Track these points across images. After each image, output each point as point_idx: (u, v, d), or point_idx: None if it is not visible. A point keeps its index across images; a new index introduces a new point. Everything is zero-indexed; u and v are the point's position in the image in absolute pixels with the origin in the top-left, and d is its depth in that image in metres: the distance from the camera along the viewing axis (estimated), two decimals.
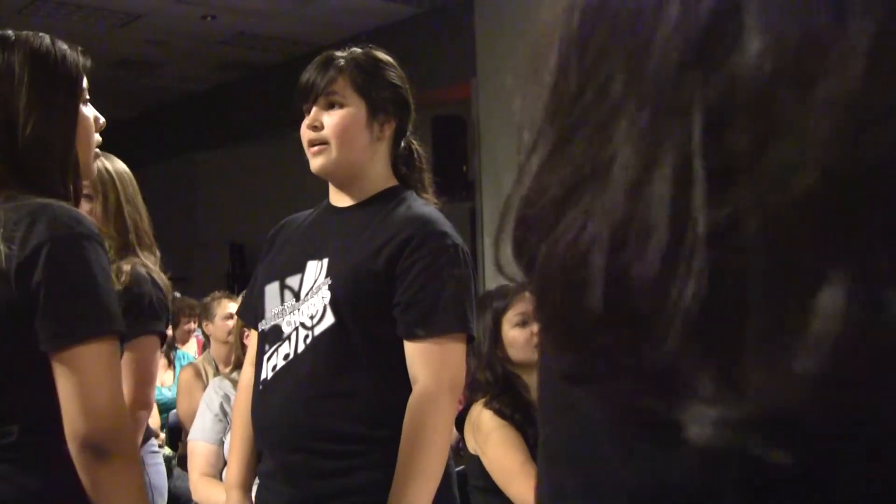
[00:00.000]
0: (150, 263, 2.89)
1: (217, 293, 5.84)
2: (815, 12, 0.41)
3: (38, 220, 1.91)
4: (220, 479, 3.75)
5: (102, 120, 2.22)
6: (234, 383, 3.98)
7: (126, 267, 2.79)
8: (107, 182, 2.87)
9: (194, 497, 3.82)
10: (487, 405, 3.15)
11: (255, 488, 2.62)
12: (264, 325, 2.51)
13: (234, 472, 2.62)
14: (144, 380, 2.87)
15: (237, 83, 11.56)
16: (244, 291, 5.04)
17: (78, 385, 1.89)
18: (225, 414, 3.91)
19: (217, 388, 4.03)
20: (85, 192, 2.77)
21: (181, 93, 12.26)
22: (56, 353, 1.90)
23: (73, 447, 1.90)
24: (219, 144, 12.04)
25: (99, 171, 2.82)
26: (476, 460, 3.13)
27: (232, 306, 5.43)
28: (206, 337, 5.93)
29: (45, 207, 1.93)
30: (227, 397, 3.95)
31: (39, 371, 1.91)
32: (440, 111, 8.20)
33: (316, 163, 2.45)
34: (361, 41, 2.57)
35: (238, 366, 4.14)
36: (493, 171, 7.69)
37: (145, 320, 2.82)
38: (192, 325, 6.82)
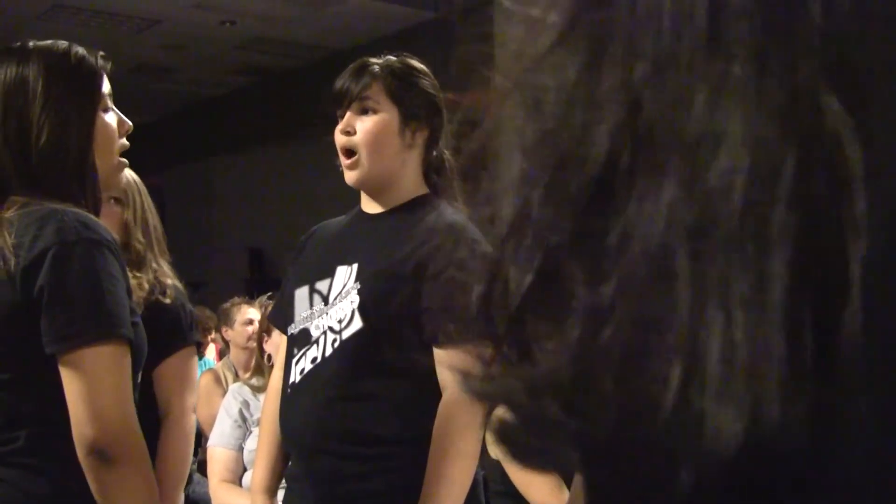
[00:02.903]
0: (172, 274, 2.93)
1: (237, 299, 5.85)
2: None
3: (46, 226, 1.92)
4: (240, 484, 3.76)
5: (129, 124, 2.23)
6: (253, 389, 4.00)
7: (169, 282, 2.84)
8: (133, 189, 2.90)
9: (214, 503, 3.82)
10: None
11: (280, 493, 2.62)
12: (293, 329, 2.52)
13: (259, 476, 2.62)
14: (193, 386, 2.93)
15: (255, 88, 11.59)
16: (262, 297, 5.09)
17: (83, 389, 1.89)
18: (244, 420, 3.91)
19: (236, 393, 4.04)
20: (117, 196, 2.81)
21: (199, 98, 12.29)
22: (61, 356, 1.90)
23: (80, 451, 1.90)
24: (237, 149, 12.07)
25: (127, 178, 2.85)
26: (497, 465, 3.13)
27: (251, 312, 5.43)
28: (226, 343, 5.93)
29: (54, 213, 1.95)
30: (245, 403, 3.95)
31: (47, 376, 1.92)
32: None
33: (350, 176, 2.47)
34: (380, 46, 2.57)
35: (257, 371, 4.15)
36: None
37: (189, 333, 2.88)
38: (211, 335, 6.84)
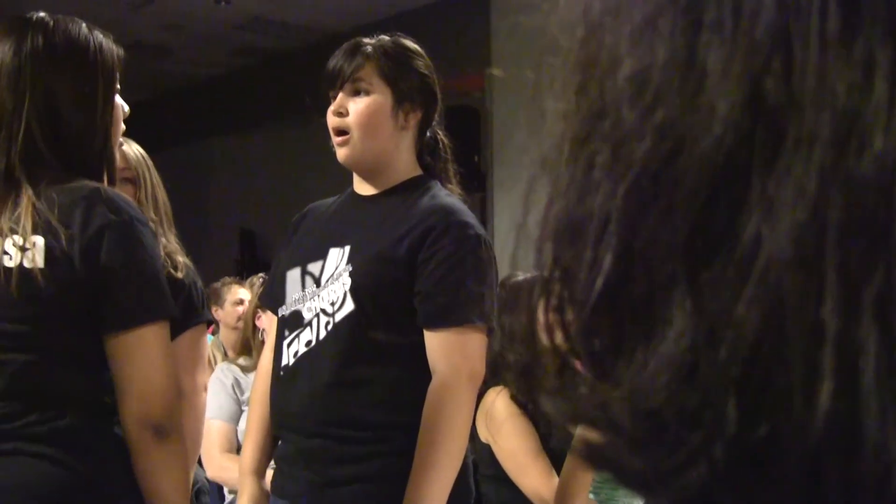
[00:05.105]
0: (180, 249, 2.91)
1: (227, 279, 5.82)
2: None
3: (95, 204, 1.95)
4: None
5: (127, 108, 2.26)
6: (242, 368, 3.99)
7: (180, 259, 2.83)
8: (143, 166, 2.89)
9: (213, 473, 3.81)
10: (505, 388, 3.13)
11: (269, 473, 2.61)
12: (284, 311, 2.51)
13: (248, 457, 2.61)
14: (205, 364, 2.92)
15: (251, 69, 11.55)
16: (252, 277, 5.06)
17: (141, 366, 1.94)
18: (236, 398, 3.91)
19: (226, 371, 4.03)
20: (129, 176, 2.81)
21: (195, 78, 12.24)
22: (119, 335, 1.95)
23: (133, 428, 1.95)
24: (232, 130, 12.04)
25: (136, 155, 2.86)
26: (487, 449, 3.12)
27: (242, 292, 5.41)
28: (215, 322, 5.91)
29: (98, 191, 1.97)
30: (236, 381, 3.95)
31: (92, 354, 1.96)
32: (454, 102, 8.19)
33: (341, 153, 2.45)
34: (378, 29, 2.56)
35: (245, 351, 4.14)
36: (506, 162, 7.68)
37: (202, 309, 2.87)
38: None
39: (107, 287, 1.93)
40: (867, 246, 0.36)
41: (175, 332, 2.69)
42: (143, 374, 1.94)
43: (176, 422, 2.00)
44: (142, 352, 1.95)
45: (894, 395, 0.35)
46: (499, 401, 3.12)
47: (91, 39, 2.10)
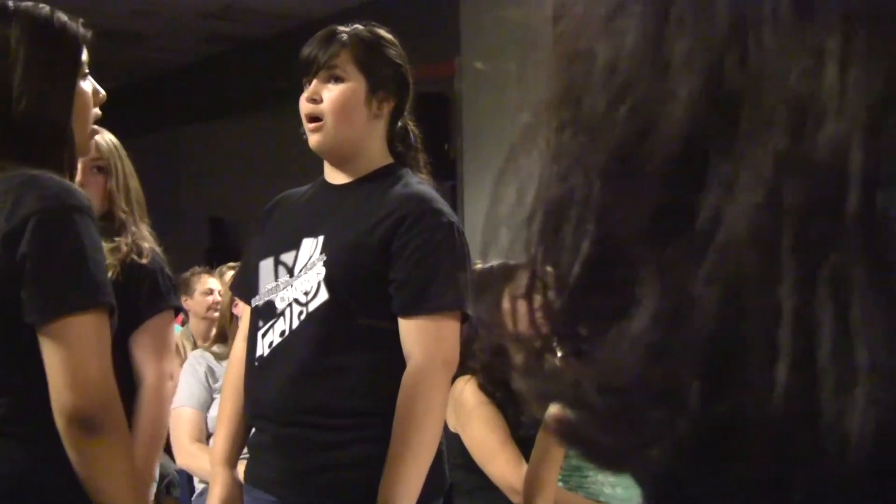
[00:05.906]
0: (151, 238, 2.90)
1: (197, 268, 5.80)
2: None
3: (26, 192, 1.89)
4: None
5: (103, 93, 2.21)
6: (216, 356, 3.97)
7: (146, 245, 2.81)
8: (115, 155, 2.88)
9: (182, 461, 3.79)
10: (473, 377, 3.12)
11: (241, 464, 2.61)
12: (258, 301, 2.51)
13: (220, 448, 2.61)
14: (171, 351, 2.89)
15: (223, 57, 11.49)
16: (221, 266, 5.04)
17: (66, 358, 1.87)
18: (209, 385, 3.89)
19: (199, 358, 4.01)
20: (100, 165, 2.79)
21: (166, 65, 12.15)
22: (43, 325, 1.88)
23: (61, 422, 1.87)
24: (202, 118, 11.97)
25: (108, 144, 2.84)
26: (455, 438, 3.13)
27: (212, 282, 5.40)
28: (185, 312, 5.89)
29: (34, 179, 1.92)
30: (210, 369, 3.93)
31: (27, 345, 1.89)
32: (423, 89, 8.12)
33: (313, 140, 2.45)
34: (350, 17, 2.56)
35: (220, 339, 4.12)
36: (475, 150, 7.66)
37: (168, 296, 2.84)
38: None
39: (28, 276, 1.86)
40: (822, 227, 0.36)
41: (139, 321, 2.67)
42: (69, 365, 1.86)
43: (112, 416, 1.92)
44: (66, 343, 1.87)
45: (849, 369, 0.36)
46: (467, 390, 3.12)
47: (50, 23, 2.06)
